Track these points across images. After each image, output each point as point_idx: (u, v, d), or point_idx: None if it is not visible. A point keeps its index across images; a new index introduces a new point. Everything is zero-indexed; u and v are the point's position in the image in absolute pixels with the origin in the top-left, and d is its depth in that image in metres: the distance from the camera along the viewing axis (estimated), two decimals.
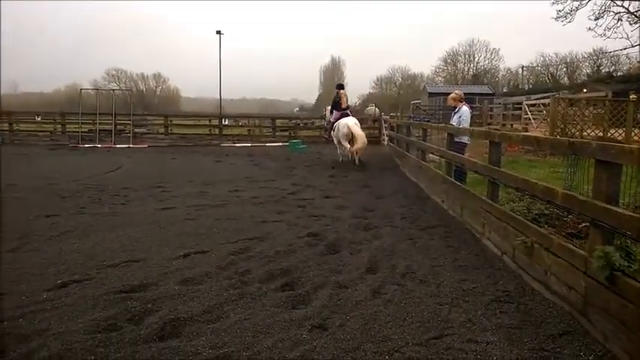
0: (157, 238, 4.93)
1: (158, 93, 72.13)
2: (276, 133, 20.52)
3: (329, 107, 13.26)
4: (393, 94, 63.79)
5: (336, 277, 3.82)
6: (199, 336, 2.79)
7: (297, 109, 75.03)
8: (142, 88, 68.45)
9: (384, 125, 18.68)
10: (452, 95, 7.85)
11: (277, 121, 21.89)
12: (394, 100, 55.03)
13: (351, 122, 11.30)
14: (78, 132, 18.34)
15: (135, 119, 19.38)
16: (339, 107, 12.29)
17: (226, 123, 22.10)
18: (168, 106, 61.81)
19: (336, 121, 11.88)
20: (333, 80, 66.79)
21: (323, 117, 14.62)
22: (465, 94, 8.14)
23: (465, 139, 7.03)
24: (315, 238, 4.97)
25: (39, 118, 23.78)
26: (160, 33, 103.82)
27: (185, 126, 21.79)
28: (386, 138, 17.30)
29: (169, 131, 20.08)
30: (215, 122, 21.47)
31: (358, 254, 4.45)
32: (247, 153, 15.13)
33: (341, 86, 13.04)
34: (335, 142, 12.12)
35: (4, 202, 6.74)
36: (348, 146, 11.22)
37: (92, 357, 2.53)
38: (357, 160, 11.51)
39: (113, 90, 26.03)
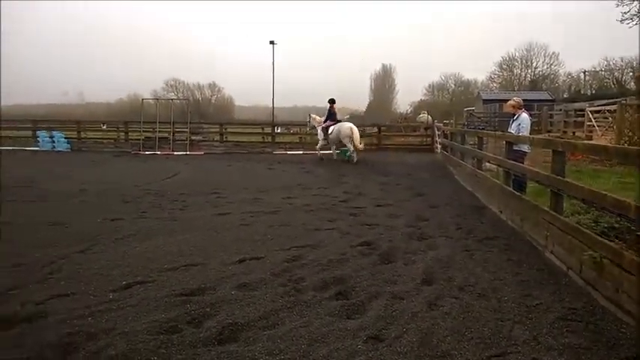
0: (213, 243, 5.06)
1: (213, 102, 74.42)
2: None
3: (313, 115, 16.25)
4: (445, 101, 62.50)
5: (390, 287, 3.77)
6: (256, 342, 2.82)
7: (347, 116, 75.08)
8: (198, 97, 70.85)
9: (436, 133, 18.36)
10: (510, 102, 7.59)
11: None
12: (447, 107, 53.89)
13: (351, 125, 14.31)
14: (139, 140, 19.23)
15: (191, 127, 20.07)
16: (334, 118, 14.91)
17: (279, 131, 22.47)
18: (222, 115, 63.53)
19: (330, 126, 14.58)
20: (384, 87, 66.49)
21: (308, 123, 16.67)
22: (522, 100, 7.84)
23: (525, 148, 6.77)
24: (368, 247, 4.93)
25: (104, 127, 25.20)
26: (212, 43, 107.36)
27: (239, 134, 22.33)
28: (439, 146, 16.99)
29: (224, 139, 20.64)
30: (268, 130, 21.86)
31: (413, 265, 4.37)
32: (299, 160, 15.29)
33: (333, 101, 15.25)
34: (329, 142, 14.84)
35: (76, 205, 7.17)
36: (351, 146, 13.86)
37: (155, 357, 2.62)
38: (355, 157, 13.97)
39: (172, 99, 27.12)
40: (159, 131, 19.40)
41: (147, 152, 17.88)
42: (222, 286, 3.70)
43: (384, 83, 67.32)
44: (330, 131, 14.59)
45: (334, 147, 14.96)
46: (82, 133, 21.34)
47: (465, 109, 36.67)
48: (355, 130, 14.01)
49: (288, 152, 18.20)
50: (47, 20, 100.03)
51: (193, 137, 19.68)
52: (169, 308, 3.26)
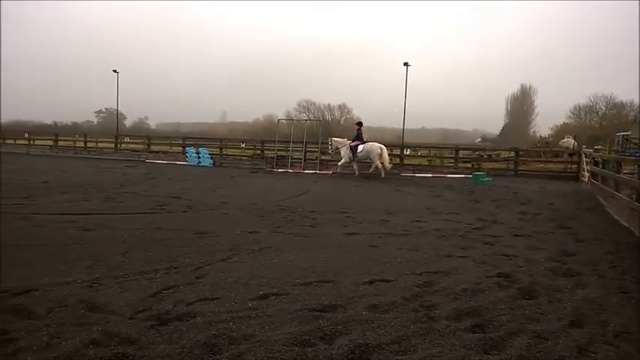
0: (343, 261, 5.13)
1: (342, 122, 76.63)
2: (459, 164, 19.85)
3: (335, 138, 18.15)
4: (593, 125, 56.46)
5: (533, 325, 3.44)
6: None
7: (479, 139, 71.71)
8: (327, 118, 73.59)
9: (584, 159, 16.61)
10: None
11: (460, 152, 21.21)
12: (595, 131, 48.65)
13: (380, 145, 16.68)
14: (273, 157, 20.49)
15: (321, 147, 20.84)
16: (361, 138, 16.93)
17: (407, 153, 22.27)
18: (349, 135, 65.07)
19: (359, 145, 16.64)
20: (521, 110, 62.38)
21: (330, 145, 18.05)
22: None
23: None
24: (506, 279, 4.58)
25: (243, 145, 27.38)
26: (343, 64, 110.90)
27: None
28: (586, 174, 15.33)
29: None
30: (396, 152, 21.81)
31: (558, 303, 3.95)
32: (427, 183, 14.94)
33: (361, 124, 17.57)
34: (356, 160, 16.82)
35: (218, 216, 7.84)
36: (379, 163, 16.24)
37: None
38: (383, 173, 16.23)
39: (306, 120, 28.46)
40: (291, 150, 20.49)
41: (279, 170, 18.95)
42: (353, 306, 3.71)
43: (521, 105, 63.16)
44: (359, 150, 16.60)
45: (357, 164, 16.97)
46: (223, 150, 23.43)
47: (618, 134, 32.75)
48: (384, 149, 16.60)
49: (416, 175, 17.90)
50: (212, 57, 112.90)
51: (323, 157, 20.38)
52: (303, 322, 3.35)
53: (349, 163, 17.17)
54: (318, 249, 5.67)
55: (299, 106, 72.10)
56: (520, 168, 18.56)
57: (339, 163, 17.54)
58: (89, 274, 4.37)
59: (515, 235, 6.82)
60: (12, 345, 2.88)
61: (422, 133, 74.32)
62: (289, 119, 41.46)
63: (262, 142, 23.25)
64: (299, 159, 19.95)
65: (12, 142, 33.81)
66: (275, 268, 4.80)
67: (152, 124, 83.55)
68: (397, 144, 23.38)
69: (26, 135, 35.22)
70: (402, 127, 35.18)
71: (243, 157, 23.26)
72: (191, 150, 21.97)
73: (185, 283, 4.19)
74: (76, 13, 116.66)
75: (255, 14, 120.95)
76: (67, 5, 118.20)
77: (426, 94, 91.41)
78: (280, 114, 62.37)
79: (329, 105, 74.90)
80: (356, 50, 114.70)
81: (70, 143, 31.85)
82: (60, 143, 30.76)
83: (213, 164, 20.96)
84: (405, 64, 33.95)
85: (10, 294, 3.76)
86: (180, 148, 24.82)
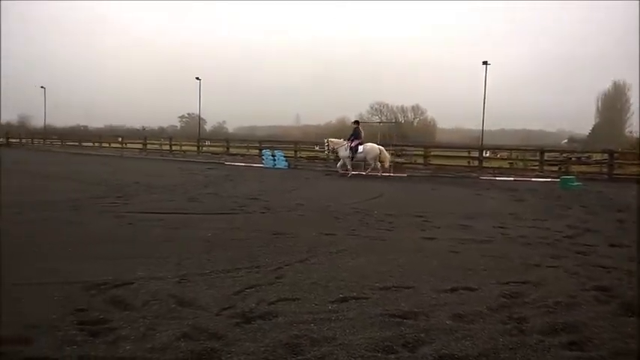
0: (422, 267, 4.99)
1: (415, 125, 75.17)
2: (544, 167, 18.70)
3: (333, 139, 18.25)
4: None
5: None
6: None
7: (565, 140, 67.16)
8: (400, 119, 72.52)
9: None
10: None
11: (545, 154, 19.96)
12: None
13: (380, 146, 17.51)
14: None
15: (395, 149, 20.58)
16: (359, 136, 17.26)
17: (487, 155, 21.38)
18: (423, 137, 63.63)
19: (359, 146, 17.07)
20: (615, 108, 57.77)
21: (327, 146, 18.31)
22: None
23: None
24: (605, 293, 4.21)
25: (317, 147, 27.69)
26: (416, 64, 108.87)
27: (443, 157, 21.99)
28: None
29: (428, 162, 20.54)
30: (474, 154, 21.01)
31: None
32: (509, 187, 14.22)
33: (358, 122, 18.29)
34: (353, 160, 17.33)
35: (294, 218, 7.97)
36: (379, 164, 17.07)
37: None
38: (381, 173, 16.99)
39: (379, 122, 28.26)
40: None
41: (353, 172, 18.91)
42: (436, 314, 3.58)
43: (614, 103, 58.45)
44: (360, 151, 17.06)
45: (350, 162, 17.42)
46: (297, 152, 23.83)
47: None
48: (383, 150, 17.51)
49: (497, 178, 17.12)
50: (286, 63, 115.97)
51: (397, 159, 20.09)
52: (384, 327, 3.29)
53: (346, 163, 17.66)
54: (396, 253, 5.57)
55: (371, 108, 71.71)
56: (615, 172, 17.14)
57: (338, 165, 18.04)
58: (178, 270, 4.60)
59: (612, 245, 6.27)
60: (112, 334, 3.09)
61: (501, 135, 71.02)
62: (362, 122, 41.25)
63: None
64: None
65: (107, 145, 36.78)
66: (353, 271, 4.77)
67: (230, 127, 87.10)
68: (475, 146, 22.52)
69: (119, 139, 38.13)
70: (479, 128, 33.91)
71: (316, 160, 23.50)
72: (267, 152, 22.57)
73: (266, 283, 4.28)
74: (164, 27, 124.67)
75: (335, 17, 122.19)
76: (157, 26, 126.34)
77: (506, 94, 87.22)
78: (352, 117, 62.41)
79: (402, 107, 73.82)
80: (433, 50, 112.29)
81: (157, 146, 34.02)
82: (148, 146, 32.95)
83: (288, 166, 21.38)
84: (485, 62, 32.76)
85: (110, 285, 4.06)
86: (257, 151, 25.59)
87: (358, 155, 17.25)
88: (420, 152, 22.14)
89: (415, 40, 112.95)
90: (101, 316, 3.38)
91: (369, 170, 17.47)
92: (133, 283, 4.15)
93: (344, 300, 3.87)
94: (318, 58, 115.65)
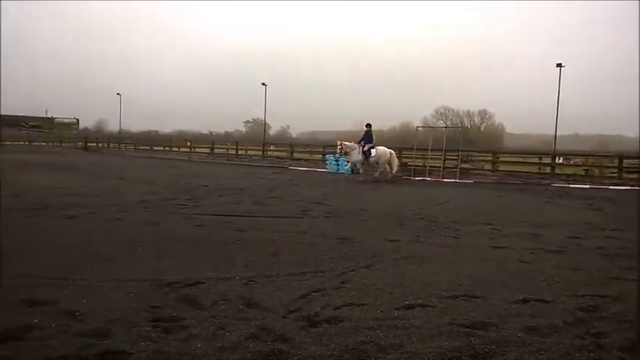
0: (491, 276, 4.83)
1: (482, 129, 72.79)
2: (623, 175, 17.44)
3: (346, 142, 17.77)
4: None
5: None
6: None
7: None
8: (466, 124, 70.47)
9: None
10: None
11: (624, 160, 18.60)
12: None
13: (391, 151, 17.52)
14: (412, 165, 20.21)
15: (462, 155, 20.00)
16: (371, 140, 17.27)
17: (559, 161, 20.27)
18: (491, 142, 61.39)
19: (372, 149, 16.95)
20: None
21: (339, 149, 17.68)
22: None
23: None
24: None
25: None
26: (480, 68, 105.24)
27: (512, 163, 21.10)
28: None
29: (496, 168, 19.80)
30: (546, 160, 19.99)
31: None
32: (584, 195, 13.40)
33: (370, 125, 17.65)
34: (366, 164, 17.24)
35: (359, 223, 7.97)
36: (387, 167, 17.07)
37: None
38: (389, 176, 16.98)
39: (444, 127, 27.65)
40: (430, 158, 20.02)
41: (417, 178, 18.61)
42: (507, 325, 3.45)
43: None
44: (372, 154, 16.88)
45: (362, 167, 17.44)
46: None
47: None
48: (393, 154, 17.48)
49: (571, 185, 16.19)
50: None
51: (463, 165, 19.53)
52: (452, 337, 3.22)
53: (357, 166, 17.66)
54: (463, 261, 5.43)
55: (436, 112, 70.32)
56: None
57: (347, 167, 18.55)
58: (245, 271, 4.76)
59: None
60: (185, 332, 3.25)
61: (575, 140, 66.98)
62: (427, 126, 40.63)
63: (400, 150, 23.10)
64: (438, 167, 19.39)
65: (176, 149, 38.65)
66: (418, 278, 4.71)
67: (293, 132, 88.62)
68: (548, 152, 21.41)
69: (188, 143, 39.96)
70: (551, 133, 32.22)
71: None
72: (331, 157, 22.70)
73: (331, 287, 4.32)
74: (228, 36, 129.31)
75: (388, 19, 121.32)
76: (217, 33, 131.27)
77: (580, 97, 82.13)
78: (416, 121, 61.35)
79: (468, 111, 71.76)
80: (504, 51, 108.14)
81: (224, 150, 35.31)
82: (215, 151, 34.28)
83: (351, 171, 21.40)
84: (559, 65, 31.10)
85: (182, 284, 4.27)
86: (320, 156, 25.82)
87: (371, 159, 17.12)
88: (488, 157, 21.36)
89: (483, 40, 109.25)
90: (174, 314, 3.56)
91: (377, 174, 17.18)
92: (203, 282, 4.33)
93: (410, 307, 3.82)
94: (388, 58, 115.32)
